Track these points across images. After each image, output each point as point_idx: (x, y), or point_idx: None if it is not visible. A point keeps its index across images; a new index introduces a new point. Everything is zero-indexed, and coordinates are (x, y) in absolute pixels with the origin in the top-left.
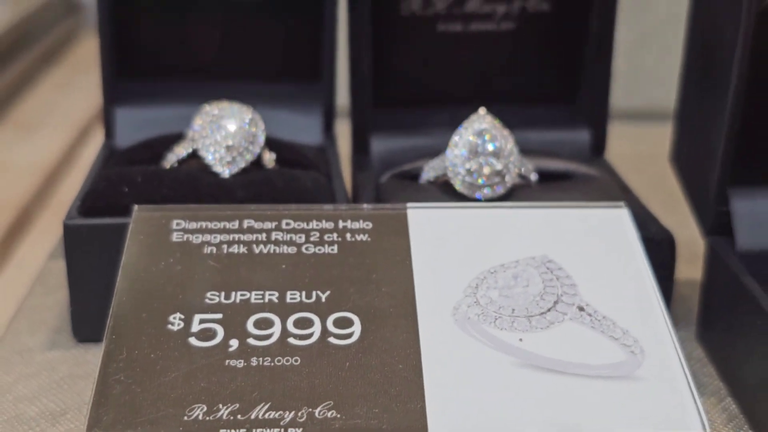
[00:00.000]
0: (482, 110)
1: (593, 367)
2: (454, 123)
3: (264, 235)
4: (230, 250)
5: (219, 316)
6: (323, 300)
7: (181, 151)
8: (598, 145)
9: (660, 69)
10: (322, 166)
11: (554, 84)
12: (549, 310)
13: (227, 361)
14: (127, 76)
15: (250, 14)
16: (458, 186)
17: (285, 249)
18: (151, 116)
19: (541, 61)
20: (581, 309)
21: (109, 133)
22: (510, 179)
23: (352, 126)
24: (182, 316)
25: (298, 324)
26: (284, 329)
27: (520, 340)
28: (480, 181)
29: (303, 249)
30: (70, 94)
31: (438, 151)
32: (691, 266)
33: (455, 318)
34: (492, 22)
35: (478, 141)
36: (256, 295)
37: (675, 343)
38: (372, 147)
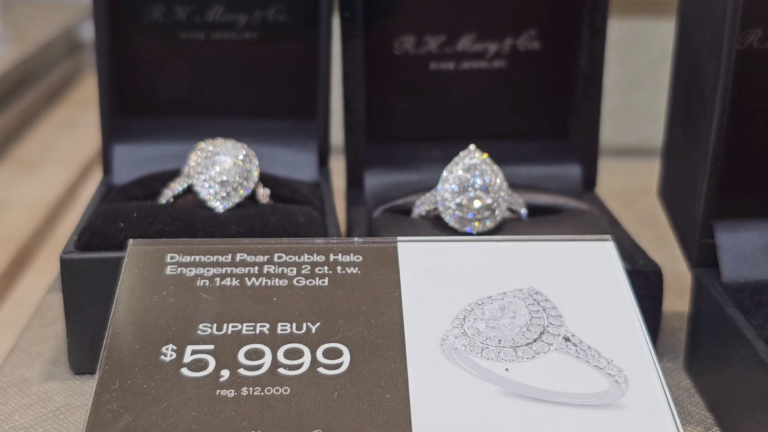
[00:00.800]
0: (472, 146)
1: (578, 396)
2: (445, 159)
3: (256, 268)
4: (223, 282)
5: (211, 347)
6: (313, 331)
7: (176, 186)
8: (588, 180)
9: (652, 106)
10: (316, 202)
11: (546, 120)
12: (535, 340)
13: (218, 390)
14: (126, 113)
15: (246, 54)
16: (449, 220)
17: (276, 282)
18: (149, 153)
19: (533, 98)
20: (567, 339)
21: (108, 169)
22: (500, 213)
23: (346, 162)
24: (174, 347)
25: (288, 354)
26: (275, 360)
27: (506, 369)
28: (470, 215)
29: (294, 282)
30: (72, 133)
31: (430, 186)
32: (679, 299)
33: (443, 348)
34: (483, 60)
35: (468, 176)
36: (247, 326)
37: (658, 372)
38: (365, 182)
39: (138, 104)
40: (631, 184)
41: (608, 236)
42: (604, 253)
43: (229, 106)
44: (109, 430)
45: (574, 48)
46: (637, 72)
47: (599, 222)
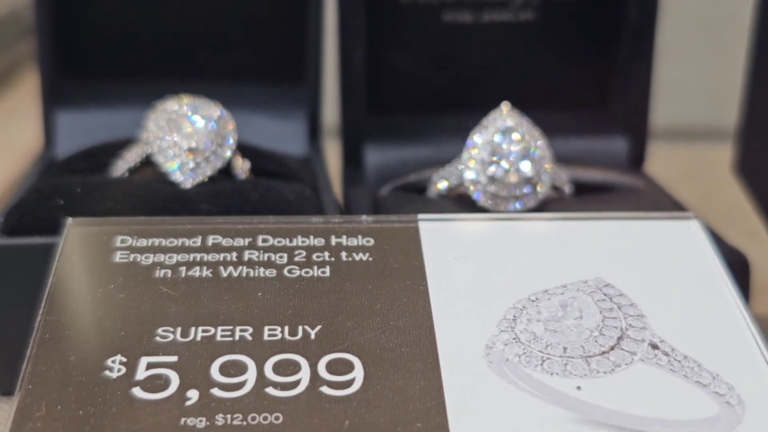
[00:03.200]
0: (506, 106)
1: (678, 424)
2: (461, 131)
3: (234, 254)
4: (190, 273)
5: (173, 359)
6: (312, 337)
7: (132, 157)
8: (637, 155)
9: (686, 82)
10: (307, 179)
11: (584, 85)
12: (612, 348)
13: (183, 419)
14: (72, 74)
15: (218, 3)
16: (478, 197)
17: (262, 272)
18: (100, 121)
19: (568, 58)
20: (655, 347)
21: (49, 140)
22: (543, 189)
23: (343, 134)
24: (124, 359)
25: (279, 369)
26: (261, 376)
27: (578, 388)
28: (506, 191)
29: (285, 272)
30: (20, 122)
31: (444, 162)
32: (766, 297)
33: (489, 360)
34: (509, 10)
35: (504, 141)
36: (223, 331)
37: None
38: (366, 158)
39: (87, 64)
40: (678, 169)
41: (690, 213)
42: (690, 234)
43: (197, 66)
44: None
45: None
46: (674, 43)
47: (660, 202)
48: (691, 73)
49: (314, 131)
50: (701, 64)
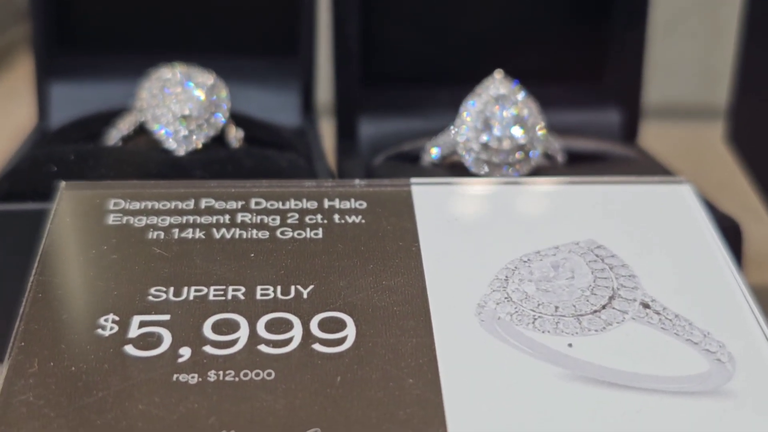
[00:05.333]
0: (498, 73)
1: (669, 380)
2: (455, 103)
3: (227, 216)
4: (183, 235)
5: (166, 317)
6: (305, 296)
7: (125, 125)
8: (630, 128)
9: (681, 61)
10: (301, 149)
11: (578, 57)
12: (604, 307)
13: (176, 375)
14: (66, 46)
15: None
16: (471, 165)
17: (254, 233)
18: (94, 92)
19: (562, 31)
20: (646, 306)
21: (43, 113)
22: (535, 156)
23: (337, 106)
24: (116, 318)
25: (271, 327)
26: (253, 333)
27: (569, 345)
28: (499, 158)
29: (278, 233)
30: (16, 102)
31: (437, 134)
32: (759, 268)
33: (481, 318)
34: None
35: (496, 109)
36: (215, 290)
37: None
38: (360, 130)
39: (81, 37)
40: (672, 146)
41: (682, 178)
42: (682, 198)
43: (191, 40)
44: (23, 430)
45: None
46: (667, 21)
47: (654, 170)
48: (685, 50)
49: (308, 104)
50: (694, 41)
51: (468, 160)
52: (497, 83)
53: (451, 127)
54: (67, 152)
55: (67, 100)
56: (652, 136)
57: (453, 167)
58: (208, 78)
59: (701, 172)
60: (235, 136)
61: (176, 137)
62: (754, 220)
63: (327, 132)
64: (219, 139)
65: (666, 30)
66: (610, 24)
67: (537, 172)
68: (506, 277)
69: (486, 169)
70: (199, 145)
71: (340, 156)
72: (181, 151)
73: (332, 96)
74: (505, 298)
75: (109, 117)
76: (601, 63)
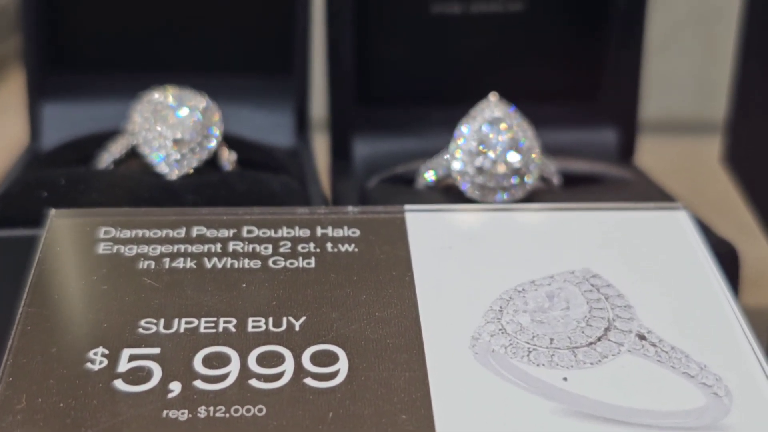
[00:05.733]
0: (494, 96)
1: (665, 415)
2: (450, 123)
3: (219, 245)
4: (174, 264)
5: (156, 350)
6: (297, 329)
7: (117, 148)
8: (626, 147)
9: (677, 75)
10: (294, 170)
11: (573, 75)
12: (599, 339)
13: (165, 411)
14: (58, 67)
15: None
16: (466, 188)
17: (246, 263)
18: (86, 113)
19: (557, 49)
20: (642, 337)
21: (35, 134)
22: (531, 180)
23: (332, 126)
24: (106, 351)
25: (263, 360)
26: (244, 368)
27: (564, 379)
28: (494, 182)
29: (270, 263)
30: (7, 118)
31: (432, 155)
32: (755, 289)
33: (475, 351)
34: (497, 2)
35: (491, 132)
36: (206, 322)
37: None
38: (354, 151)
39: (73, 56)
40: (668, 162)
41: (678, 204)
42: (678, 225)
43: (184, 58)
44: None
45: None
46: (663, 36)
47: (650, 194)
48: (681, 65)
49: (302, 123)
50: (690, 56)
51: (462, 184)
52: (492, 106)
53: (446, 150)
54: (58, 176)
55: (60, 120)
56: (648, 152)
57: (448, 190)
58: (201, 101)
59: (697, 188)
60: (228, 158)
61: (168, 161)
62: (750, 238)
63: (321, 148)
64: (212, 163)
65: (661, 45)
66: (605, 42)
67: (533, 195)
68: (501, 307)
69: (481, 193)
70: (192, 170)
71: (334, 177)
72: (173, 175)
73: (326, 112)
74: (500, 329)
75: (101, 139)
76: (596, 82)
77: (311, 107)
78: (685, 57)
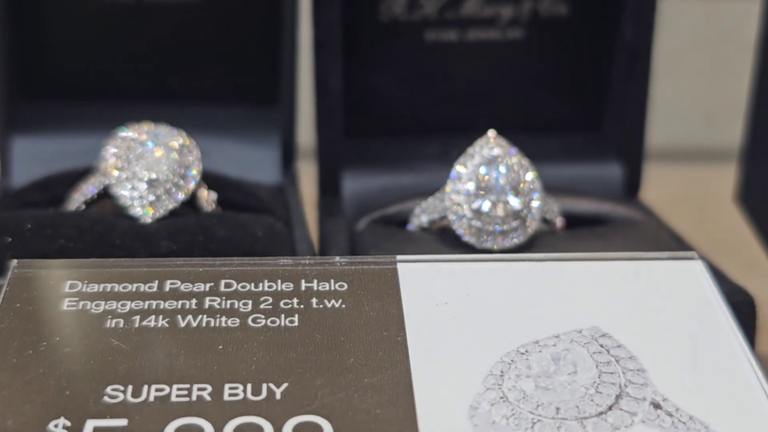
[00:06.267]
0: (492, 133)
1: None
2: (446, 157)
3: (194, 301)
4: (144, 323)
5: (123, 422)
6: (278, 397)
7: (88, 188)
8: (632, 182)
9: (682, 101)
10: (280, 211)
11: (575, 107)
12: (610, 408)
13: None
14: (30, 98)
15: (187, 21)
16: (462, 233)
17: (224, 321)
18: (59, 148)
19: (559, 79)
20: (657, 406)
21: (5, 170)
22: (532, 224)
23: (319, 160)
24: (68, 423)
25: None
26: None
27: None
28: (493, 226)
29: (250, 321)
30: None
31: (428, 192)
32: None
33: (474, 423)
34: (495, 28)
35: (490, 172)
36: (179, 389)
37: None
38: (344, 187)
39: (45, 85)
40: (675, 193)
41: (693, 252)
42: (691, 275)
43: (163, 88)
44: None
45: (614, 11)
46: (664, 61)
47: (659, 236)
48: (687, 91)
49: (288, 158)
50: (697, 82)
51: (459, 227)
52: (491, 144)
53: (441, 191)
54: (23, 220)
55: (31, 154)
56: (654, 183)
57: (443, 233)
58: (178, 138)
59: (706, 223)
60: (207, 199)
61: (142, 203)
62: (762, 278)
63: (310, 180)
64: (190, 203)
65: (666, 69)
66: (610, 73)
67: (534, 239)
68: (501, 372)
69: (478, 237)
70: (167, 212)
71: (322, 215)
72: (148, 219)
73: (313, 142)
74: (501, 397)
75: (73, 178)
76: (600, 113)
77: (298, 136)
78: (692, 83)
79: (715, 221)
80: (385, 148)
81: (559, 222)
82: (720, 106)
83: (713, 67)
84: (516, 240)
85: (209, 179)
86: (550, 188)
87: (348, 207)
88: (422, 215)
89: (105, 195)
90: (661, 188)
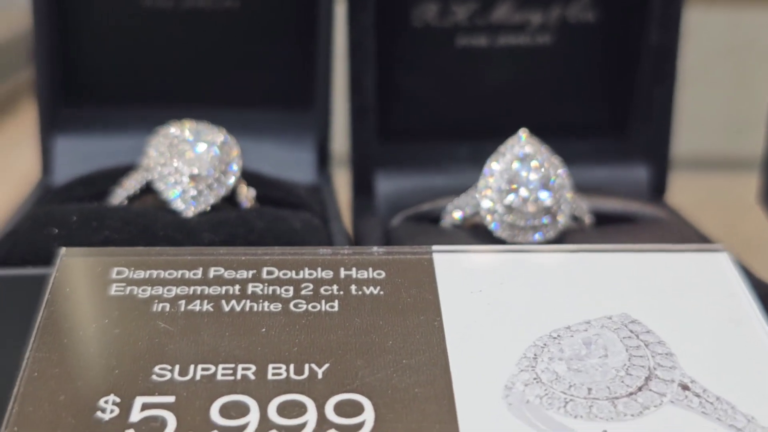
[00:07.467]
0: (524, 132)
1: None
2: (476, 159)
3: (237, 287)
4: (190, 307)
5: (171, 399)
6: (320, 376)
7: (132, 184)
8: (658, 185)
9: (706, 111)
10: (316, 207)
11: (603, 111)
12: (640, 389)
13: None
14: (72, 99)
15: (226, 26)
16: (495, 228)
17: (266, 306)
18: (100, 147)
19: (586, 83)
20: (685, 387)
21: (47, 168)
22: (563, 219)
23: (353, 162)
24: (117, 400)
25: (284, 410)
26: (264, 418)
27: (604, 431)
28: (524, 221)
29: (291, 306)
30: (19, 151)
31: (459, 192)
32: None
33: (509, 401)
34: (525, 34)
35: (522, 169)
36: (224, 369)
37: None
38: (377, 187)
39: (87, 89)
40: (701, 199)
41: (720, 245)
42: (719, 267)
43: (201, 92)
44: None
45: (641, 17)
46: (690, 69)
47: (686, 234)
48: (713, 99)
49: (323, 159)
50: (723, 90)
51: (492, 223)
52: (522, 142)
53: (474, 187)
54: (69, 212)
55: (73, 154)
56: (680, 189)
57: (475, 230)
58: (219, 135)
59: (732, 227)
60: (247, 195)
61: (184, 197)
62: None
63: (342, 184)
64: (230, 200)
65: (692, 78)
66: (637, 76)
67: (564, 235)
68: (535, 355)
69: (510, 232)
70: (208, 207)
71: (356, 214)
72: (189, 213)
73: (348, 148)
74: (534, 378)
75: (115, 174)
76: (627, 117)
77: (333, 143)
78: (718, 91)
79: (740, 226)
80: (417, 150)
81: (588, 219)
82: (746, 113)
83: (738, 76)
84: (546, 235)
85: (247, 177)
86: (579, 189)
87: (381, 207)
88: (455, 211)
89: (148, 190)
90: (686, 195)
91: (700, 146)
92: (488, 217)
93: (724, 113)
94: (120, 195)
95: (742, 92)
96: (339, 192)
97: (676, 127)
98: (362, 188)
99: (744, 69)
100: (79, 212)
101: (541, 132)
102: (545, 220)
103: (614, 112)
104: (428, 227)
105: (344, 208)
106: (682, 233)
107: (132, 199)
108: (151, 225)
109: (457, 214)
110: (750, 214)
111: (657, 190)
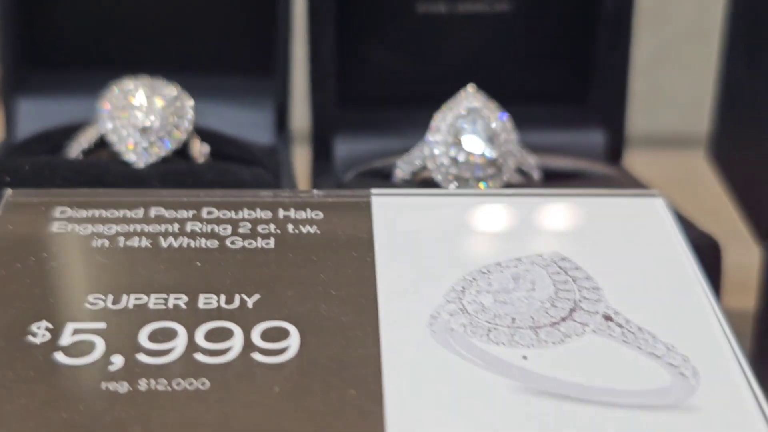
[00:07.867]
0: (471, 87)
1: (628, 394)
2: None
3: (177, 225)
4: (128, 243)
5: (101, 325)
6: (249, 305)
7: (86, 138)
8: (614, 150)
9: (675, 90)
10: (270, 165)
11: (560, 77)
12: (563, 319)
13: (104, 384)
14: (34, 62)
15: None
16: (441, 180)
17: (203, 243)
18: (62, 109)
19: (544, 50)
20: (608, 318)
21: (10, 127)
22: (507, 172)
23: (313, 127)
24: (50, 325)
25: (211, 336)
26: (191, 342)
27: (524, 357)
28: (469, 174)
29: (228, 243)
30: None
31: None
32: (738, 295)
33: (433, 329)
34: (483, 1)
35: (467, 123)
36: (156, 298)
37: (740, 360)
38: (336, 151)
39: (50, 52)
40: (655, 173)
41: (655, 191)
42: (654, 212)
43: (163, 56)
44: None
45: None
46: (657, 49)
47: (635, 188)
48: (673, 81)
49: (282, 122)
50: (683, 72)
51: (438, 175)
52: (470, 97)
53: (422, 142)
54: (22, 164)
55: (36, 116)
56: (638, 164)
57: (424, 183)
58: (172, 90)
59: (687, 197)
60: (200, 150)
61: (136, 150)
62: (740, 245)
63: (302, 155)
64: (182, 153)
65: (654, 60)
66: (593, 43)
67: (509, 187)
68: (463, 288)
69: (457, 184)
70: (159, 159)
71: (315, 177)
72: (141, 164)
73: (308, 119)
74: (460, 309)
75: (71, 130)
76: (585, 83)
77: (293, 115)
78: (678, 72)
79: (695, 196)
80: (376, 116)
81: (536, 174)
82: (702, 94)
83: (700, 59)
84: (492, 187)
85: (202, 134)
86: (534, 152)
87: (339, 170)
88: (404, 166)
89: (101, 144)
90: (643, 168)
91: (659, 125)
92: (435, 171)
93: (684, 93)
94: (75, 149)
95: (703, 73)
96: (297, 163)
97: (633, 97)
98: (321, 152)
99: (703, 54)
100: (32, 164)
101: (498, 97)
102: (490, 171)
103: (571, 78)
104: (379, 183)
105: (303, 175)
106: (632, 188)
107: (87, 153)
108: (102, 175)
109: (407, 169)
110: (706, 188)
111: (613, 155)
